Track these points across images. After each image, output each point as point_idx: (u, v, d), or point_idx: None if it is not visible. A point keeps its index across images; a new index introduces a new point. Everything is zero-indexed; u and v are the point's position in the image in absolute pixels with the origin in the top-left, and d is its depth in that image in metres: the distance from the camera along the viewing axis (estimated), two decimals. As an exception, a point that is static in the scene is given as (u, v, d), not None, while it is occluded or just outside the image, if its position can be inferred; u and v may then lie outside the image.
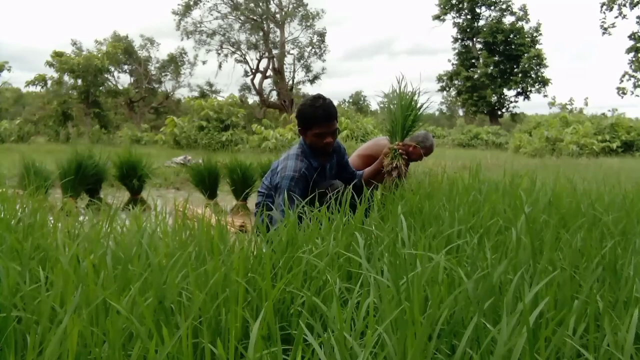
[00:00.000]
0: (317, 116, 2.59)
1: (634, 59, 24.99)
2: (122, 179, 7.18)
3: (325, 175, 2.76)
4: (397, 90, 2.80)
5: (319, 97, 2.67)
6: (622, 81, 25.97)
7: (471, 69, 32.95)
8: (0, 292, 1.19)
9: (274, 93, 31.19)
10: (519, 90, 32.45)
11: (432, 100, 2.83)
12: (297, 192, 2.47)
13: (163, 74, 33.00)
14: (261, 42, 30.00)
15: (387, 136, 3.02)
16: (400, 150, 2.78)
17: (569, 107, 26.83)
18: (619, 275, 1.33)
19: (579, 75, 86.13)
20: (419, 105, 2.80)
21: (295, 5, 29.57)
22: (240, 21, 29.65)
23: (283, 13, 29.56)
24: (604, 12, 24.09)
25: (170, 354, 1.05)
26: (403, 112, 2.77)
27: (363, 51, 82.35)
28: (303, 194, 2.47)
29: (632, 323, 0.98)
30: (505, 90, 32.51)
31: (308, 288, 1.32)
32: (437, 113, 47.93)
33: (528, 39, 31.73)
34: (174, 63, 32.37)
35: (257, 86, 30.42)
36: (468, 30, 33.17)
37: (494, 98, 32.20)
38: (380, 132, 15.30)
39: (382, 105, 38.88)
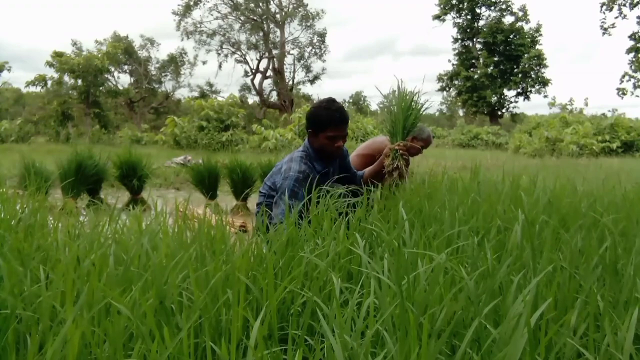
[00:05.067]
0: (334, 119, 2.58)
1: (633, 59, 24.99)
2: (122, 179, 7.18)
3: (328, 178, 2.75)
4: (397, 91, 2.80)
5: (333, 101, 2.67)
6: (622, 82, 25.99)
7: (471, 69, 32.94)
8: (1, 292, 1.19)
9: (274, 93, 31.22)
10: (519, 90, 32.44)
11: (432, 101, 2.85)
12: (300, 194, 2.45)
13: (163, 74, 33.01)
14: (261, 42, 30.01)
15: (388, 136, 3.02)
16: (401, 151, 2.78)
17: (568, 107, 26.83)
18: (620, 276, 1.33)
19: (581, 75, 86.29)
20: (419, 105, 2.80)
21: (295, 5, 29.57)
22: (240, 21, 29.66)
23: (283, 13, 29.57)
24: (604, 13, 24.11)
25: (171, 354, 1.05)
26: (403, 113, 2.76)
27: (365, 52, 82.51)
28: (305, 196, 2.46)
29: (632, 323, 0.99)
30: (505, 91, 32.50)
31: (309, 288, 1.32)
32: (437, 113, 48.00)
33: (528, 39, 31.72)
34: (174, 63, 32.38)
35: (257, 86, 30.43)
36: (468, 30, 33.17)
37: (494, 98, 32.19)
38: (380, 132, 15.30)
39: (382, 105, 38.89)
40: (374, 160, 3.07)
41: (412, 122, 2.82)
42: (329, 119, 2.59)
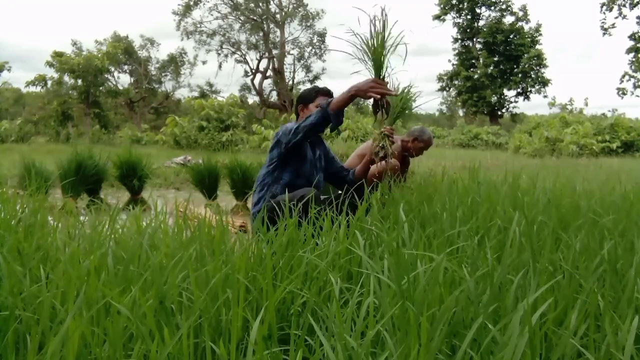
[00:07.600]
0: (319, 89, 2.98)
1: (633, 59, 24.97)
2: (122, 179, 7.18)
3: (315, 155, 2.93)
4: (379, 23, 2.50)
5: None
6: (622, 82, 25.97)
7: (471, 69, 32.92)
8: (1, 293, 1.19)
9: (274, 93, 31.19)
10: (519, 90, 32.42)
11: (417, 83, 2.97)
12: (301, 137, 2.62)
13: (163, 74, 32.99)
14: (261, 42, 29.99)
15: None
16: (386, 132, 2.81)
17: (568, 107, 26.81)
18: (620, 276, 1.33)
19: (581, 75, 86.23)
20: (411, 90, 2.92)
21: (295, 5, 29.56)
22: (240, 21, 29.64)
23: (283, 13, 29.55)
24: (604, 13, 24.09)
25: (171, 354, 1.05)
26: (382, 48, 2.52)
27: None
28: (302, 149, 2.76)
29: (633, 326, 0.98)
30: (505, 91, 32.48)
31: (309, 288, 1.32)
32: (437, 113, 47.98)
33: (528, 39, 31.70)
34: (174, 63, 32.36)
35: (257, 86, 30.40)
36: (468, 30, 33.15)
37: (494, 98, 32.17)
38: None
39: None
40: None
41: (402, 107, 2.92)
42: (315, 89, 3.00)
